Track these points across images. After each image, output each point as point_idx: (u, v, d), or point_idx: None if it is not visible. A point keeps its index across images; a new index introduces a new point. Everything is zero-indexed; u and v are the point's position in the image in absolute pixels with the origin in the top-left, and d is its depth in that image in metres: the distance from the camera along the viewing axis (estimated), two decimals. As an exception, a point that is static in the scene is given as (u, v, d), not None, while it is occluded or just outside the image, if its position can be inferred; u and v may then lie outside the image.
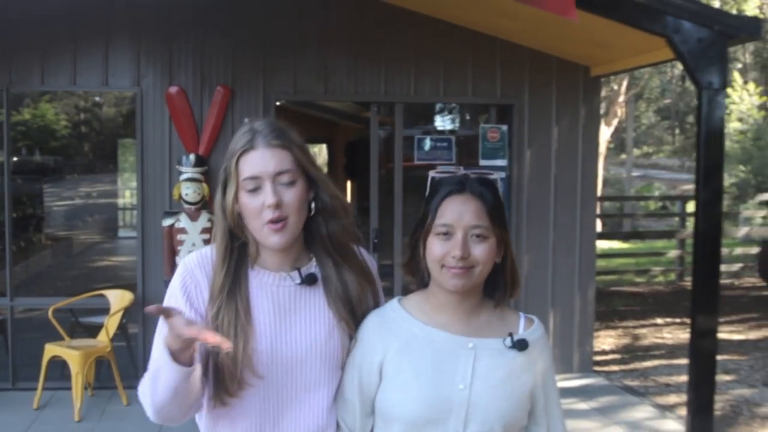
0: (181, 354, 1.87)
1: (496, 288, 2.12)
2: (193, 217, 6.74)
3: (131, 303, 6.78)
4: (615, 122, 22.38)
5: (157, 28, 7.02)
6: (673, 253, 14.16)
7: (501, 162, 7.60)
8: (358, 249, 2.25)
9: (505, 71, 7.51)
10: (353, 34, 7.31)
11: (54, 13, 6.90)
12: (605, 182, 27.22)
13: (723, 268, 14.00)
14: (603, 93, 21.03)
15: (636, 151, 37.51)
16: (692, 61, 5.68)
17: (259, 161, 2.03)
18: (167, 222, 6.77)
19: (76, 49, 7.00)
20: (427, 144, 7.66)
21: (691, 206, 19.73)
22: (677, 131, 41.89)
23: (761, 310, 11.18)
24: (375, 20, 7.31)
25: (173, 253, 6.75)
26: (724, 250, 15.15)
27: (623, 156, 33.65)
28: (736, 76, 24.67)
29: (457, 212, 2.01)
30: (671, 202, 19.48)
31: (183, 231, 6.72)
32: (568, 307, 7.68)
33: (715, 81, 5.70)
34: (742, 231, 14.76)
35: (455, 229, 2.00)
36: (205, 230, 6.66)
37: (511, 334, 2.07)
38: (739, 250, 14.67)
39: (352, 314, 2.15)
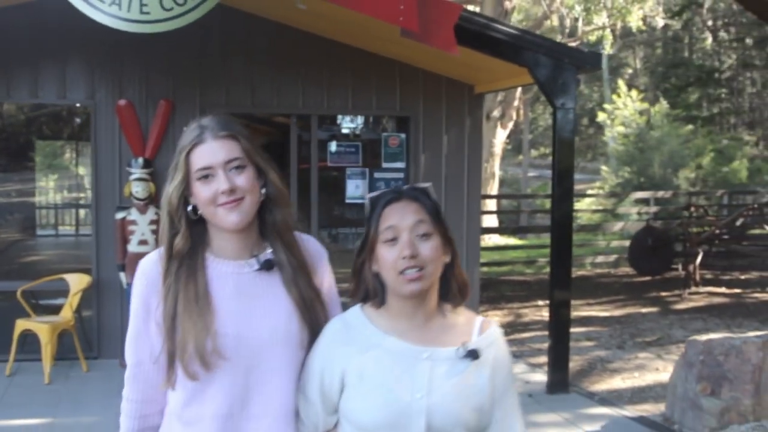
0: None
1: (449, 291, 2.25)
2: (142, 211, 8.15)
3: (89, 285, 8.18)
4: (510, 125, 23.62)
5: (108, 50, 8.36)
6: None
7: (400, 164, 9.27)
8: (304, 237, 2.45)
9: (403, 88, 9.19)
10: (275, 55, 8.83)
11: (18, 34, 8.18)
12: (503, 182, 29.11)
13: (601, 259, 16.08)
14: (499, 97, 22.83)
15: (533, 152, 39.76)
16: (548, 87, 7.45)
17: (209, 152, 2.21)
18: (120, 215, 8.17)
19: (38, 66, 8.36)
20: (338, 148, 9.27)
21: (579, 204, 21.91)
22: (572, 133, 44.47)
23: (628, 293, 13.18)
24: (294, 44, 8.84)
25: (125, 241, 8.14)
26: (602, 243, 17.25)
27: (520, 157, 35.77)
28: (621, 84, 26.90)
29: (399, 215, 2.17)
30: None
31: (134, 223, 8.13)
32: (458, 286, 9.38)
33: (566, 102, 7.48)
34: (618, 225, 16.82)
35: (400, 231, 2.15)
36: (152, 222, 8.07)
37: (464, 344, 2.19)
38: (615, 243, 16.77)
39: (302, 299, 2.31)
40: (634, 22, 24.94)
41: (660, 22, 28.71)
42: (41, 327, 7.71)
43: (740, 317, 10.87)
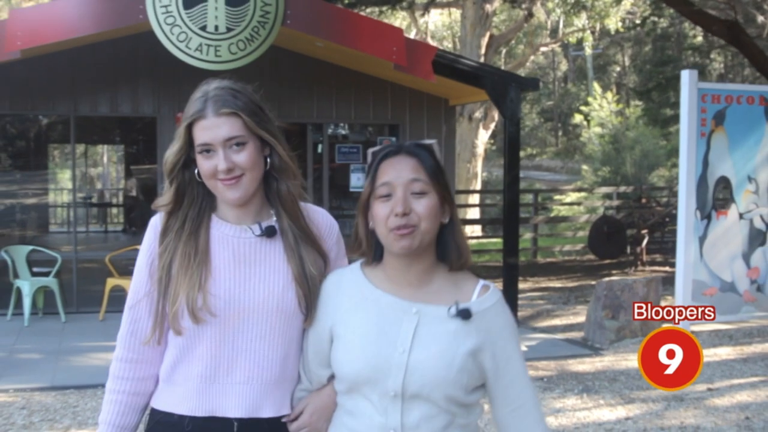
0: None
1: (447, 252, 2.41)
2: (199, 199, 12.19)
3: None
4: (492, 125, 26.24)
5: (170, 73, 12.05)
6: (527, 236, 20.32)
7: (392, 162, 13.44)
8: (313, 209, 2.69)
9: (393, 102, 13.31)
10: (297, 78, 12.78)
11: (101, 64, 12.11)
12: (487, 183, 32.40)
13: (568, 247, 20.32)
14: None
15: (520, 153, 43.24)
16: (499, 103, 11.65)
17: (210, 129, 2.43)
18: (182, 200, 12.24)
19: (117, 86, 12.39)
20: (343, 150, 13.47)
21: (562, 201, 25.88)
22: (560, 132, 48.41)
23: (584, 272, 17.46)
24: (310, 69, 12.80)
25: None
26: (569, 233, 21.47)
27: (505, 158, 39.19)
28: (596, 87, 30.71)
29: (395, 170, 2.31)
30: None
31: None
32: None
33: (514, 114, 11.72)
34: (584, 218, 20.99)
35: (395, 187, 2.30)
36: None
37: (457, 303, 2.34)
38: (582, 233, 20.99)
39: (302, 269, 2.53)
40: (613, 24, 28.28)
41: (639, 21, 32.18)
42: (129, 283, 11.76)
43: (668, 285, 15.07)
